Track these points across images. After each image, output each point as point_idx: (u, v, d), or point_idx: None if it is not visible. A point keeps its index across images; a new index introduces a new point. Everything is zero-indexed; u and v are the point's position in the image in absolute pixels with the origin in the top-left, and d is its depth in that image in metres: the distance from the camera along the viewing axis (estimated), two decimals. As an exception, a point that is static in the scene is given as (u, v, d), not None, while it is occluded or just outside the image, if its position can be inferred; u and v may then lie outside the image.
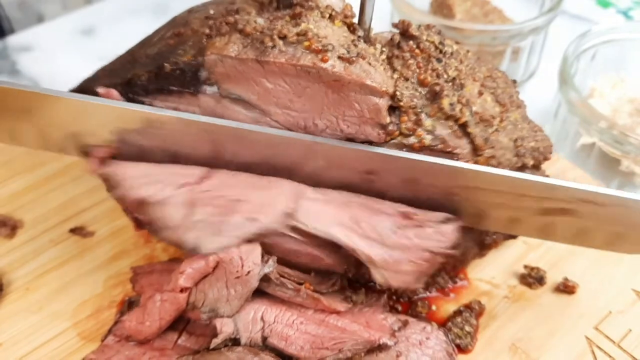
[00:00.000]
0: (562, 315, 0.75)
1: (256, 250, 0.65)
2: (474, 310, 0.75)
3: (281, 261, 0.68)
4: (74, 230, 0.86)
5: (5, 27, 1.46)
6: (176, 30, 0.68)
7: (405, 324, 0.69)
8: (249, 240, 0.66)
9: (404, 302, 0.76)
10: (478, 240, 0.72)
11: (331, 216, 0.65)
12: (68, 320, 0.76)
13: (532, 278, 0.79)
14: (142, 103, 0.67)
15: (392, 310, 0.75)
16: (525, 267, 0.80)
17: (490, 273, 0.80)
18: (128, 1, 1.38)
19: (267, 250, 0.66)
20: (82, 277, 0.80)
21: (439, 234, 0.65)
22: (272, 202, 0.65)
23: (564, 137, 0.99)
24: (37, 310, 0.77)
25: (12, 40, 1.28)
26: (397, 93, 0.60)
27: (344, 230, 0.65)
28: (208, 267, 0.65)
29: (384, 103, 0.60)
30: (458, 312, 0.74)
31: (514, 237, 0.77)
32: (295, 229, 0.65)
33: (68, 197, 0.90)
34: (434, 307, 0.76)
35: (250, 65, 0.60)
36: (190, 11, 0.72)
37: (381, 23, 1.08)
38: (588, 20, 1.32)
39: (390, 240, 0.65)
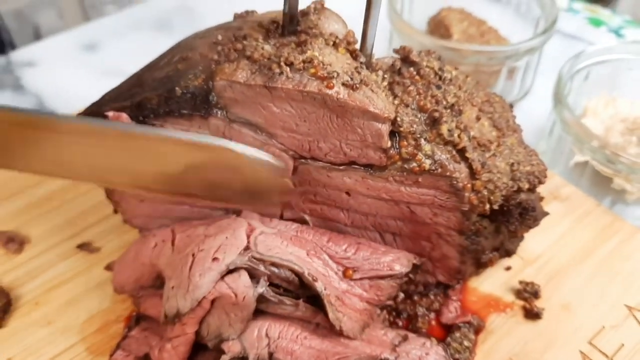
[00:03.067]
0: (557, 330, 0.78)
1: (242, 275, 0.66)
2: (472, 325, 0.77)
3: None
4: (81, 246, 0.87)
5: (4, 38, 1.48)
6: (184, 55, 0.69)
7: (405, 338, 0.70)
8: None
9: (404, 318, 0.79)
10: (474, 259, 0.75)
11: (287, 247, 0.68)
12: (77, 334, 0.77)
13: (528, 293, 0.81)
14: (153, 126, 0.68)
15: (393, 325, 0.77)
16: (521, 282, 0.82)
17: (487, 289, 0.82)
18: (129, 16, 1.41)
19: (253, 273, 0.67)
20: (90, 292, 0.82)
21: (375, 288, 0.69)
22: (230, 242, 0.67)
23: (558, 155, 1.01)
24: (46, 324, 0.78)
25: (16, 55, 1.30)
26: (398, 119, 0.63)
27: (300, 262, 0.67)
28: (205, 308, 0.66)
29: (385, 128, 0.62)
30: (457, 327, 0.76)
31: (509, 254, 0.79)
32: (256, 259, 0.67)
33: (74, 212, 0.92)
34: (433, 323, 0.78)
35: (258, 90, 0.62)
36: (196, 36, 0.73)
37: (380, 43, 1.11)
38: (580, 39, 1.35)
39: (336, 284, 0.68)
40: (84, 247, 0.87)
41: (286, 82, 0.61)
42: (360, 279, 0.69)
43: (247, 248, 0.67)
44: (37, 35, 1.79)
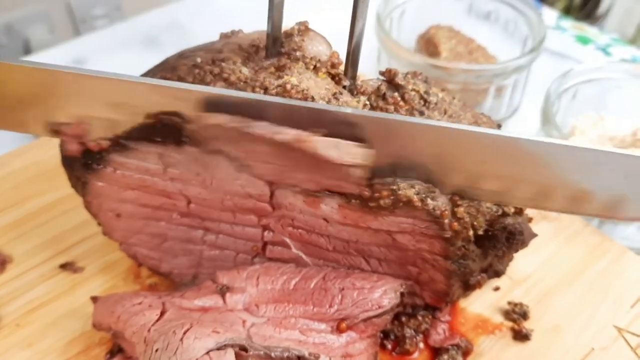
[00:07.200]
0: (546, 352, 0.77)
1: (229, 354, 0.62)
2: (460, 348, 0.76)
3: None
4: (64, 266, 0.86)
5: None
6: (163, 74, 0.69)
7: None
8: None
9: (392, 340, 0.78)
10: (462, 281, 0.74)
11: (280, 334, 0.67)
12: (58, 356, 0.76)
13: (516, 314, 0.80)
14: (127, 147, 0.67)
15: (381, 347, 0.76)
16: (509, 303, 0.82)
17: (476, 310, 0.82)
18: (118, 33, 1.40)
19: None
20: (73, 313, 0.81)
21: (370, 325, 0.69)
22: (230, 328, 0.66)
23: (547, 174, 1.01)
24: (27, 346, 0.77)
25: (5, 70, 1.29)
26: None
27: (298, 344, 0.66)
28: None
29: None
30: (445, 350, 0.75)
31: (498, 275, 0.79)
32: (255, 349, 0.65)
33: (58, 231, 0.91)
34: (421, 345, 0.78)
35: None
36: (181, 56, 0.72)
37: (369, 62, 1.11)
38: (568, 57, 1.35)
39: (337, 344, 0.67)
40: (67, 266, 0.86)
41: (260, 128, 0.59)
42: (355, 324, 0.69)
43: (248, 337, 0.66)
44: (27, 50, 1.78)
